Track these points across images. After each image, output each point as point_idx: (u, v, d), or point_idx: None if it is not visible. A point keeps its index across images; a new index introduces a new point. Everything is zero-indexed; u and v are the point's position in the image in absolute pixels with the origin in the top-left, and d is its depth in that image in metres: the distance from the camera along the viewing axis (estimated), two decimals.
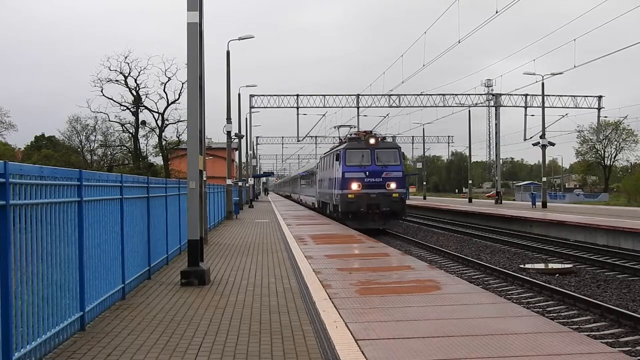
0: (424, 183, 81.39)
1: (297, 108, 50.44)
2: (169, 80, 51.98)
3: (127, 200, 9.66)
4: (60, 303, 6.55)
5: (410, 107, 51.18)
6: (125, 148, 59.49)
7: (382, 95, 50.92)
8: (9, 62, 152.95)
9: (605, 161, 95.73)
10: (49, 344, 6.20)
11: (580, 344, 6.38)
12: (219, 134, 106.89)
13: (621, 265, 17.33)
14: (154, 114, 54.17)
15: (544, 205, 41.68)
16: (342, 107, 51.17)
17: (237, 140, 44.43)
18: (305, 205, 49.71)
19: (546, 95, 44.53)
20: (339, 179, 28.47)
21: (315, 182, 40.63)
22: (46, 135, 72.03)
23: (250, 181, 56.62)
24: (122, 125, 55.55)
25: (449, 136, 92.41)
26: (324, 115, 53.07)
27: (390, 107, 51.07)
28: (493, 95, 55.26)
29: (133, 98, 53.21)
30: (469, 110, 56.18)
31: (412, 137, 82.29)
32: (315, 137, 75.42)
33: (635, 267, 16.94)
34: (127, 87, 52.66)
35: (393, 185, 27.63)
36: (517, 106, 50.85)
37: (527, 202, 54.75)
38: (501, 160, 71.59)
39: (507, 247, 23.51)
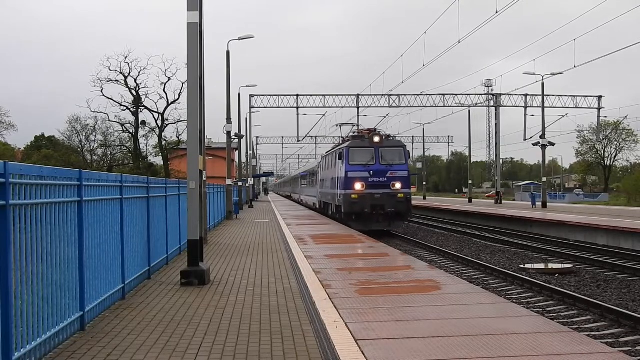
0: (424, 183, 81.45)
1: (297, 108, 50.40)
2: (169, 80, 52.17)
3: (127, 200, 9.66)
4: (60, 303, 6.55)
5: (410, 107, 51.15)
6: (125, 148, 59.51)
7: (382, 95, 50.91)
8: (9, 62, 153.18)
9: (605, 161, 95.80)
10: (49, 344, 6.20)
11: (580, 344, 6.38)
12: (219, 134, 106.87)
13: (621, 265, 17.33)
14: (154, 114, 54.32)
15: (544, 205, 41.68)
16: (342, 107, 51.16)
17: (237, 140, 44.42)
18: (306, 205, 49.54)
19: (546, 95, 44.55)
20: (341, 179, 27.43)
21: (317, 182, 39.84)
22: (46, 135, 72.04)
23: (250, 181, 56.62)
24: (122, 125, 55.70)
25: (449, 136, 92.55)
26: (324, 115, 53.08)
27: (390, 107, 51.05)
28: (493, 95, 55.23)
29: (133, 98, 53.27)
30: (469, 110, 56.31)
31: (412, 137, 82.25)
32: (315, 137, 75.50)
33: (635, 267, 16.94)
34: (127, 87, 52.77)
35: (398, 185, 26.50)
36: (517, 106, 50.85)
37: (527, 202, 54.77)
38: (501, 160, 71.66)
39: (507, 247, 23.51)
